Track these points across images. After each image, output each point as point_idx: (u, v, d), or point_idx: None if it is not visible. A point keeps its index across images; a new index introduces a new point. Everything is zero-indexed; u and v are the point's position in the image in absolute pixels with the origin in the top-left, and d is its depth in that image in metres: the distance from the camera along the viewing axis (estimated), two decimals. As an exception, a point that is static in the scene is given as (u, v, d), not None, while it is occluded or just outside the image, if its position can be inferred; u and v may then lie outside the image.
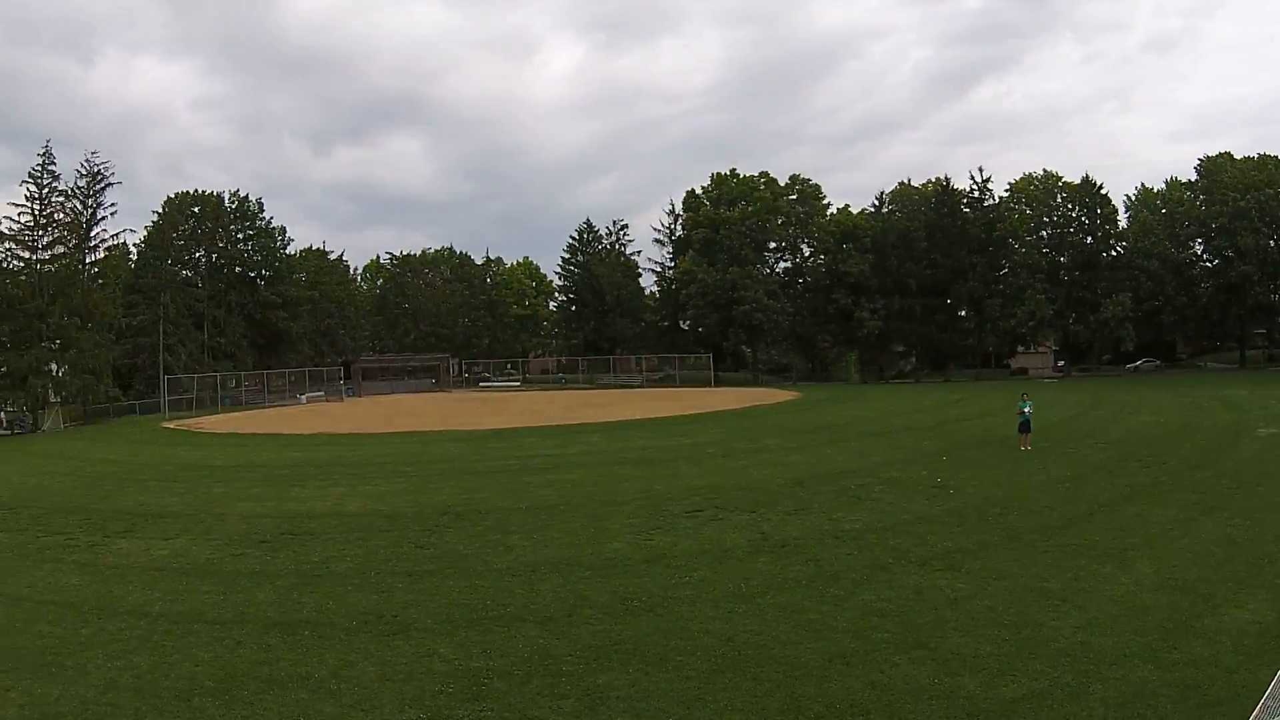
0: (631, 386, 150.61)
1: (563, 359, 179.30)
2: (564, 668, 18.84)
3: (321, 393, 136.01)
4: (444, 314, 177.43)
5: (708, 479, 43.21)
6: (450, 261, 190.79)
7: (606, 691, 17.58)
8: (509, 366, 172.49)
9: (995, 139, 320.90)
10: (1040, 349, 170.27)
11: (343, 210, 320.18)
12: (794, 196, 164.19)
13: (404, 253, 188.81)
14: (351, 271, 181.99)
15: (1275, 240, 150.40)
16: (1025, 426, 51.50)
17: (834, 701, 16.84)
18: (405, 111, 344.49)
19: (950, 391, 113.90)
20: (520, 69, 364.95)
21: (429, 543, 30.93)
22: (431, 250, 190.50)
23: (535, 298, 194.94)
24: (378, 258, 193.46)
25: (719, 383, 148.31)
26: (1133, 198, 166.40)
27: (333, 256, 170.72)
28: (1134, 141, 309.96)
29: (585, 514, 35.18)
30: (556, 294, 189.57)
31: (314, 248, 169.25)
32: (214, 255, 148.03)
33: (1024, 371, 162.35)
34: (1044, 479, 40.34)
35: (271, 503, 40.87)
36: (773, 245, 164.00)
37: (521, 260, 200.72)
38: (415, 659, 19.61)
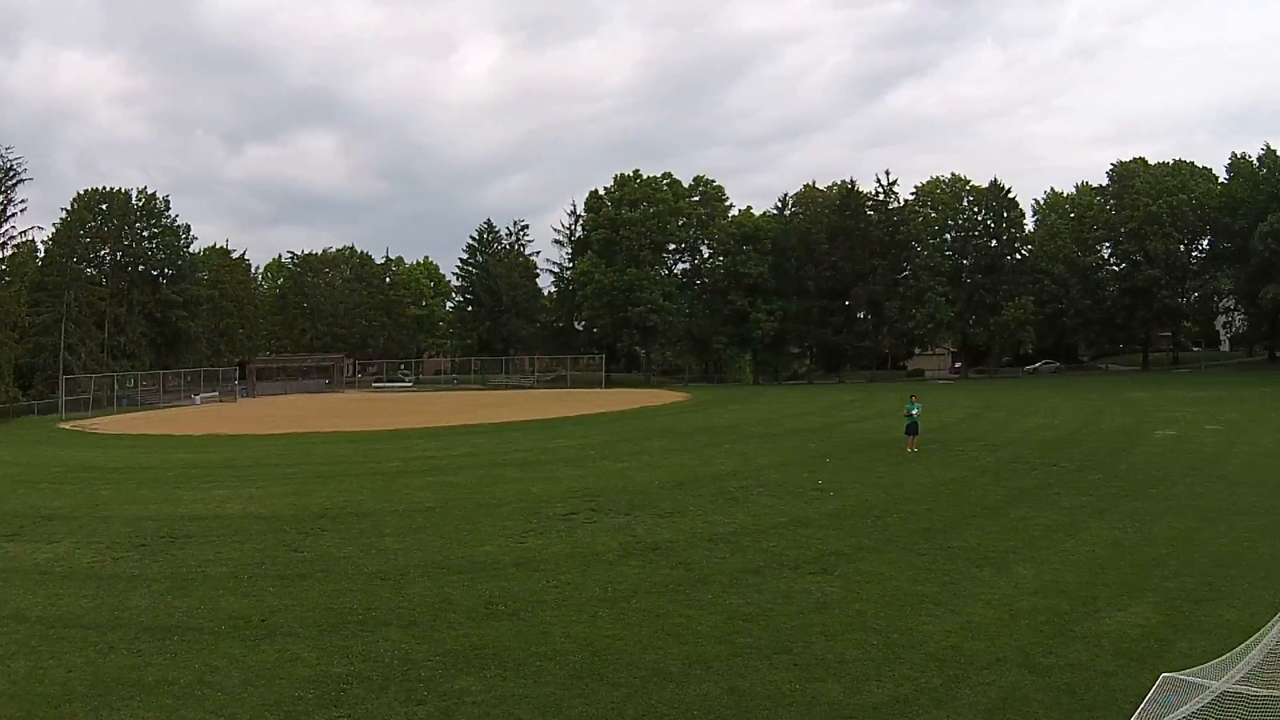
0: (524, 388, 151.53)
1: (457, 359, 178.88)
2: (423, 673, 18.52)
3: (216, 393, 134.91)
4: (341, 314, 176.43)
5: (587, 481, 42.72)
6: (351, 261, 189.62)
7: (463, 697, 17.25)
8: (403, 367, 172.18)
9: (909, 142, 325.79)
10: (938, 351, 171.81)
11: (254, 209, 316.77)
12: (696, 198, 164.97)
13: (305, 252, 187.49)
14: (254, 270, 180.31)
15: (1185, 245, 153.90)
16: (912, 429, 51.08)
17: (691, 707, 16.51)
18: (320, 109, 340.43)
19: (843, 393, 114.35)
20: (437, 68, 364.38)
21: (303, 545, 30.46)
22: (333, 249, 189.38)
23: (433, 298, 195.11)
24: (279, 256, 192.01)
25: (612, 384, 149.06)
26: (1041, 202, 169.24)
27: (235, 255, 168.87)
28: (1051, 146, 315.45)
29: (460, 517, 34.68)
30: (454, 294, 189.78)
31: (217, 246, 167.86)
32: (119, 253, 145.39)
33: (920, 373, 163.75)
34: (927, 481, 40.20)
35: (156, 505, 40.06)
36: (672, 246, 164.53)
37: (421, 260, 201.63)
38: (278, 664, 19.31)
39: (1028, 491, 37.07)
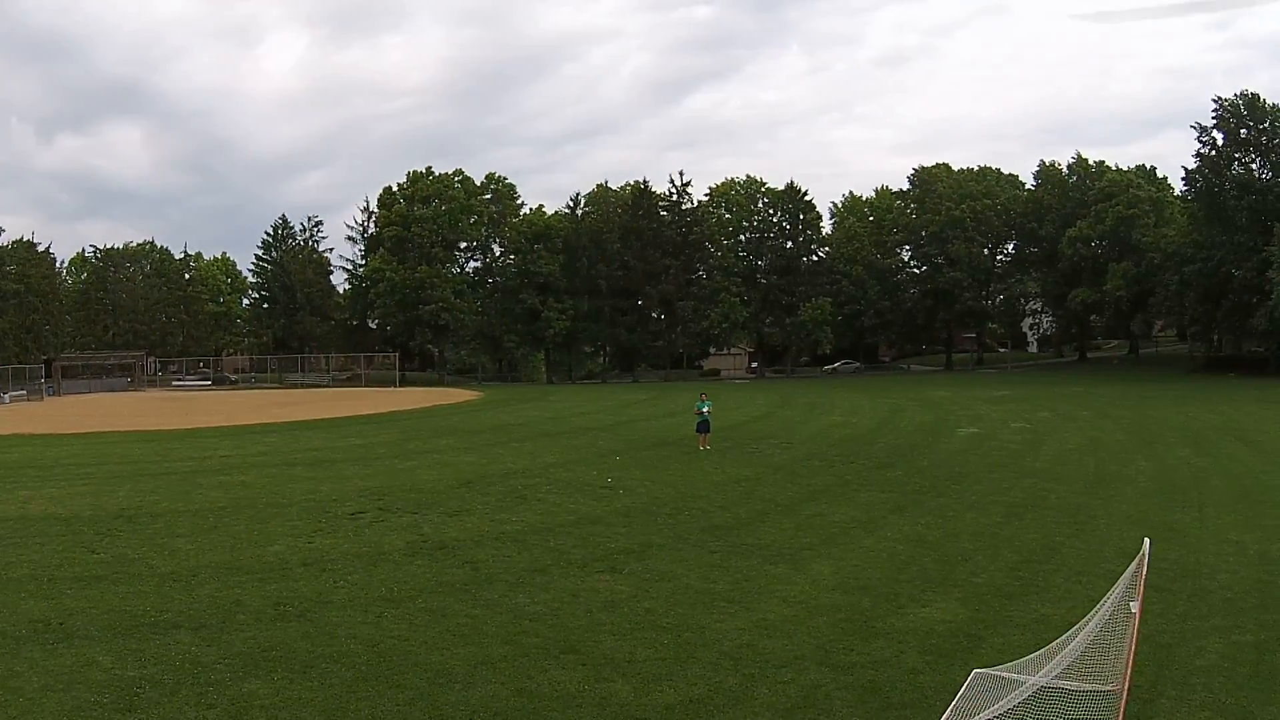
0: (319, 386, 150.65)
1: (255, 357, 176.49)
2: (214, 676, 17.92)
3: (24, 391, 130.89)
4: (142, 310, 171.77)
5: (376, 480, 41.74)
6: (151, 256, 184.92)
7: (252, 700, 16.64)
8: (201, 365, 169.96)
9: (708, 145, 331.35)
10: (735, 351, 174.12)
11: (62, 201, 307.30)
12: (488, 196, 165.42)
13: (107, 246, 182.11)
14: (58, 265, 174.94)
15: (990, 249, 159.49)
16: (704, 426, 50.81)
17: (478, 709, 15.94)
18: (129, 99, 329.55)
19: (635, 392, 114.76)
20: (243, 60, 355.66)
21: (100, 547, 29.22)
22: (134, 244, 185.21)
23: (230, 294, 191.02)
24: (83, 251, 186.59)
25: (407, 383, 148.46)
26: (839, 205, 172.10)
27: (41, 249, 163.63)
28: (853, 152, 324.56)
29: (251, 516, 33.61)
30: (250, 291, 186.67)
31: (24, 239, 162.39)
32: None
33: (716, 373, 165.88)
34: (720, 479, 39.78)
35: (-38, 507, 38.98)
36: (464, 245, 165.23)
37: (219, 256, 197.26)
38: (76, 668, 18.60)
39: (824, 489, 36.76)
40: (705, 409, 51.17)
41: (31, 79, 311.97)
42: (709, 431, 50.72)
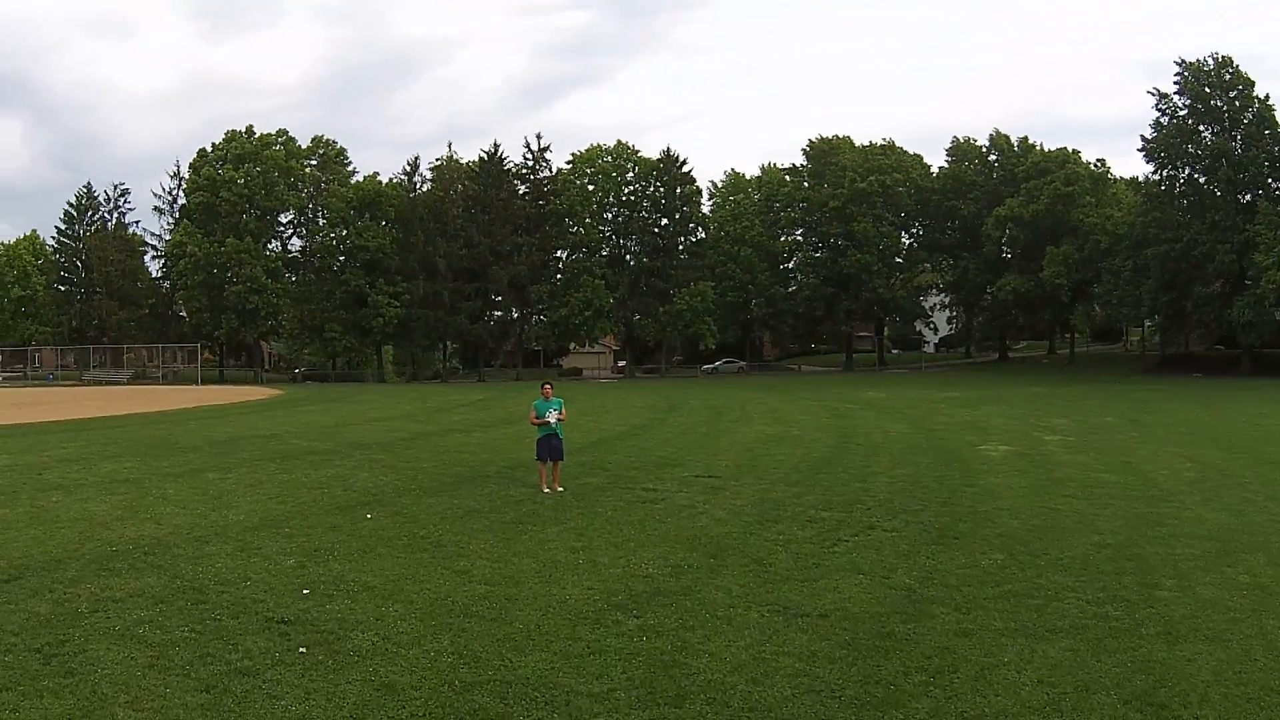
0: (116, 382, 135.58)
1: (71, 350, 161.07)
2: None
3: None
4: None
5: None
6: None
7: None
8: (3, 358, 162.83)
9: (571, 150, 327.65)
10: (599, 348, 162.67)
11: None
12: (314, 161, 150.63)
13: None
14: None
15: (896, 230, 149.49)
16: (552, 448, 26.29)
17: None
18: (8, 92, 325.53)
19: (471, 392, 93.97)
20: (115, 53, 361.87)
21: None
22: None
23: (37, 277, 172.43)
24: None
25: (224, 380, 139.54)
26: (719, 184, 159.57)
27: None
28: (725, 160, 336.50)
29: None
30: (53, 273, 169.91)
31: None
32: None
33: (578, 372, 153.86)
34: (578, 594, 15.37)
35: None
36: (285, 218, 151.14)
37: (28, 234, 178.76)
38: None
39: (818, 616, 13.51)
40: (552, 415, 26.17)
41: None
42: (561, 458, 26.50)
